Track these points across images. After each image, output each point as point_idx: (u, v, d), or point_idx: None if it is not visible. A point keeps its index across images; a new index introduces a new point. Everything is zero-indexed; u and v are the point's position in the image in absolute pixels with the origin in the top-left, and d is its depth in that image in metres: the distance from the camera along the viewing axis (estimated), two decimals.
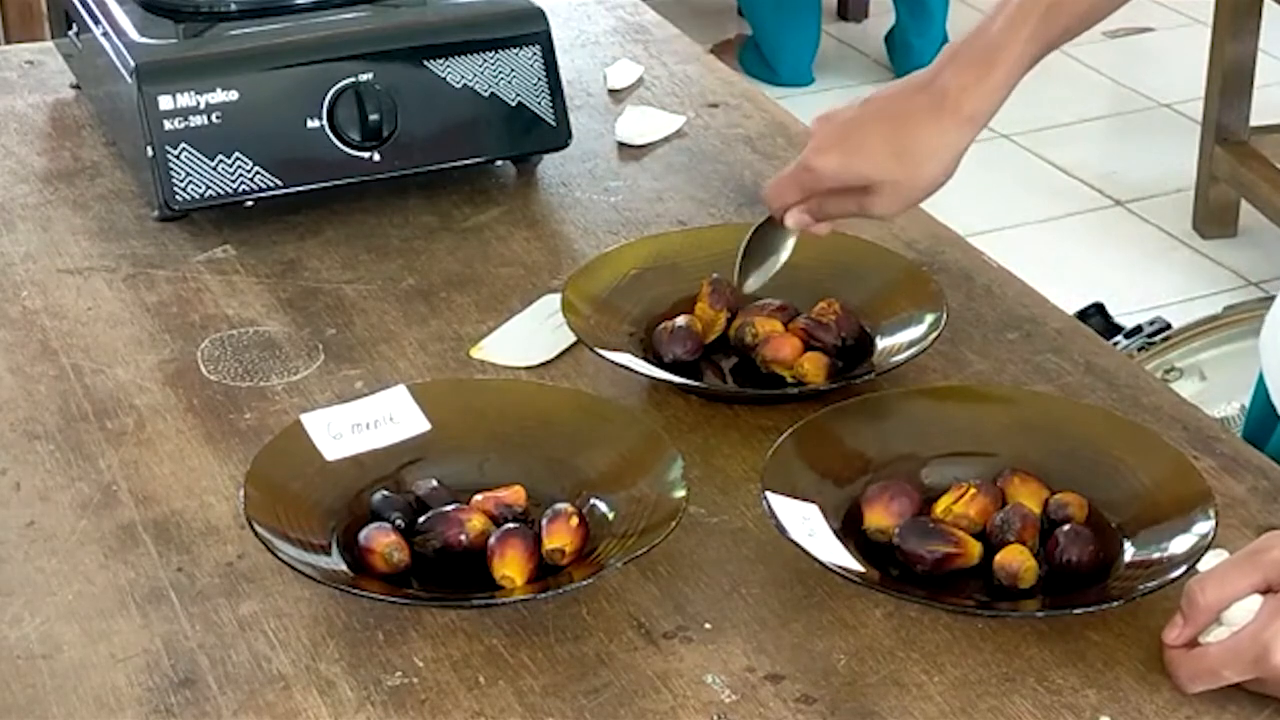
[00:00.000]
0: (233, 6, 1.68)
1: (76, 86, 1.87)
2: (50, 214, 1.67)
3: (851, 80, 4.59)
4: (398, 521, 1.21)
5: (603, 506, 1.23)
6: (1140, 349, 1.92)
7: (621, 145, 1.78)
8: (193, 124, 1.59)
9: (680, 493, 1.21)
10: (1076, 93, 4.33)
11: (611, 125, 1.81)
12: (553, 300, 1.48)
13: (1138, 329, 2.01)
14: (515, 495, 1.24)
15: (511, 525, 1.20)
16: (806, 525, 1.20)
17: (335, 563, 1.19)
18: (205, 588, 1.21)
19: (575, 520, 1.20)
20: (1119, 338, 2.05)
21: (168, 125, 1.58)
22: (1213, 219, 3.85)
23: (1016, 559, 1.18)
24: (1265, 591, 1.09)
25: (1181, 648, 1.11)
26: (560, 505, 1.21)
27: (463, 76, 1.66)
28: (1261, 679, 1.08)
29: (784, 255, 1.45)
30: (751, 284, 1.45)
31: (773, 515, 1.19)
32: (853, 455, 1.28)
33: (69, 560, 1.23)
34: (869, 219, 1.44)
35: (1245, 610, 1.09)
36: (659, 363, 1.40)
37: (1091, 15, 1.40)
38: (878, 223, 1.61)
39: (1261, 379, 1.58)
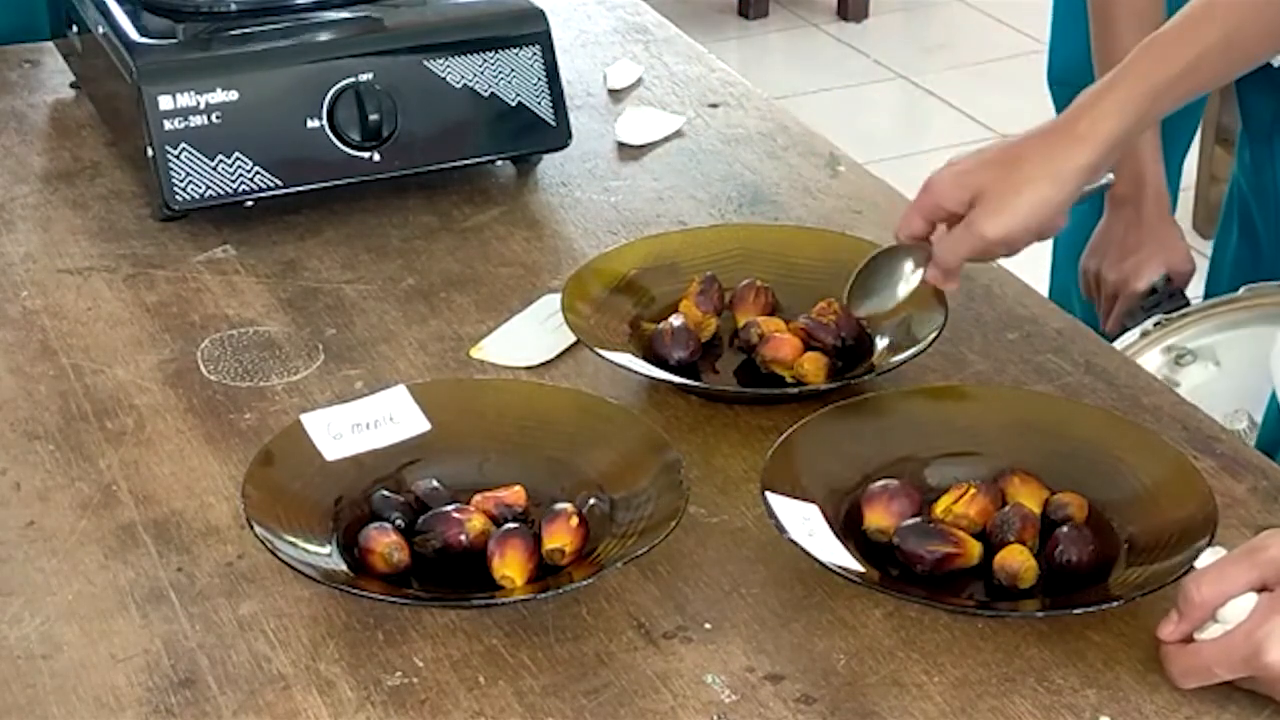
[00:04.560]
0: (233, 6, 1.68)
1: (76, 86, 1.87)
2: (50, 214, 1.67)
3: (851, 80, 4.59)
4: (398, 521, 1.21)
5: (603, 506, 1.23)
6: (1156, 324, 1.89)
7: (621, 145, 1.78)
8: (193, 124, 1.59)
9: (680, 493, 1.21)
10: None
11: (611, 125, 1.81)
12: (553, 300, 1.48)
13: (1152, 290, 1.97)
14: (515, 495, 1.24)
15: (511, 525, 1.20)
16: (806, 525, 1.20)
17: (335, 563, 1.19)
18: (205, 588, 1.21)
19: (575, 520, 1.20)
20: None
21: (168, 125, 1.58)
22: (1213, 219, 3.83)
23: (1016, 559, 1.18)
24: (1261, 590, 1.09)
25: (1177, 643, 1.11)
26: (560, 505, 1.21)
27: (463, 76, 1.66)
28: (1254, 677, 1.09)
29: (903, 289, 1.40)
30: (863, 309, 1.41)
31: (773, 515, 1.19)
32: (853, 455, 1.28)
33: (69, 560, 1.23)
34: (982, 250, 1.37)
35: (1241, 608, 1.09)
36: (659, 363, 1.40)
37: (1227, 56, 1.39)
38: (878, 223, 1.62)
39: (1274, 396, 1.58)
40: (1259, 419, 1.78)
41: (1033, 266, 1.89)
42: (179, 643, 1.16)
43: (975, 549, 1.20)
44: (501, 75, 1.67)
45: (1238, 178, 2.14)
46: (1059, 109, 2.11)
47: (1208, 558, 1.14)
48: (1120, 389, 1.41)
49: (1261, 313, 1.87)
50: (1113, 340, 1.93)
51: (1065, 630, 1.16)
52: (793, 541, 1.18)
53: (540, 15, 1.70)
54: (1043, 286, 1.61)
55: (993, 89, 4.32)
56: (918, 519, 1.21)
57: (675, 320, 1.42)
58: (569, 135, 1.71)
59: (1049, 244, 2.20)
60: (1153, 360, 1.88)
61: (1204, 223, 3.85)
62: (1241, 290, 1.90)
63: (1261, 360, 1.77)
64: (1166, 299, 1.98)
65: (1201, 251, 2.07)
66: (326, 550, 1.20)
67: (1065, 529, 1.20)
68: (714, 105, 1.86)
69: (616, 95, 1.88)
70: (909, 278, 1.40)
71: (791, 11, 4.96)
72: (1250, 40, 1.40)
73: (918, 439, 1.29)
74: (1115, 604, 1.15)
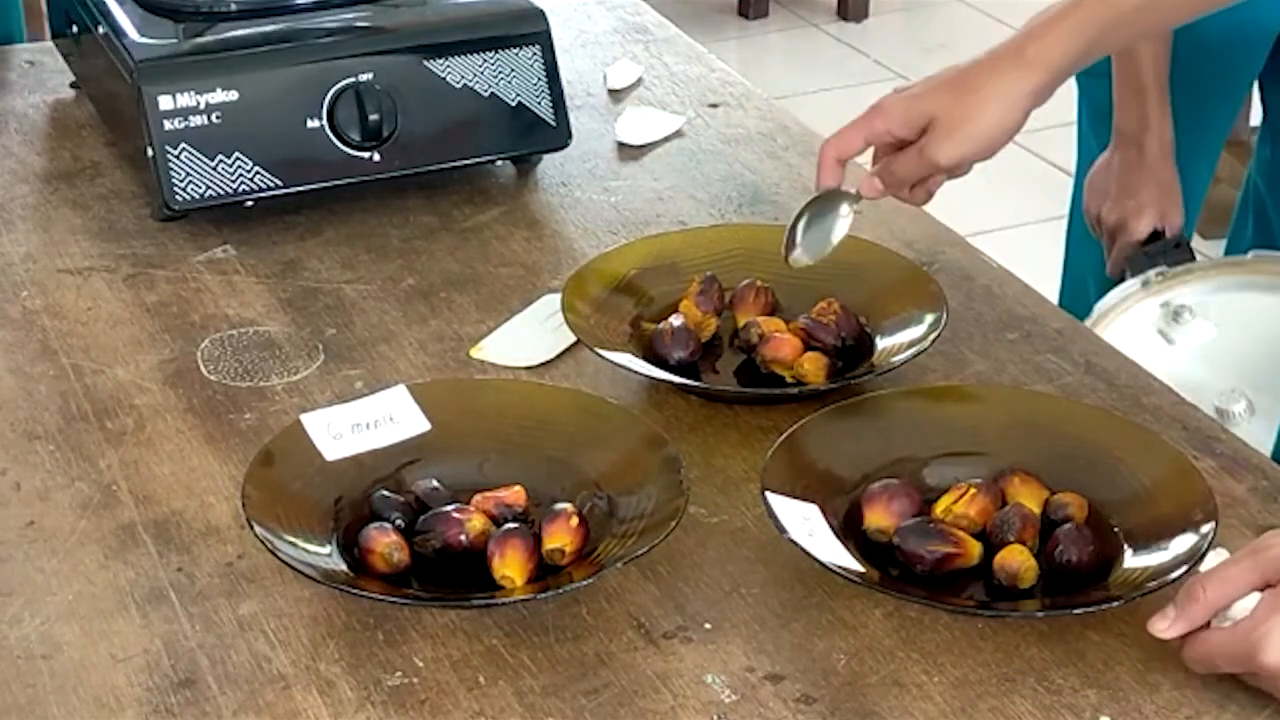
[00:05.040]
0: (233, 6, 1.68)
1: (76, 86, 1.87)
2: (50, 214, 1.67)
3: (851, 80, 4.59)
4: (398, 521, 1.21)
5: (602, 507, 1.23)
6: (1159, 274, 1.86)
7: (621, 145, 1.78)
8: (193, 124, 1.59)
9: (680, 493, 1.21)
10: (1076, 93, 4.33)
11: (611, 125, 1.81)
12: (553, 300, 1.48)
13: (1155, 237, 1.93)
14: (515, 495, 1.24)
15: (511, 525, 1.20)
16: (806, 525, 1.20)
17: (335, 563, 1.19)
18: (205, 588, 1.21)
19: (575, 520, 1.20)
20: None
21: (168, 125, 1.58)
22: (1213, 219, 3.84)
23: (1016, 559, 1.18)
24: (1264, 589, 1.09)
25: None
26: (560, 505, 1.21)
27: (463, 76, 1.66)
28: (1254, 674, 1.09)
29: (837, 234, 1.43)
30: (798, 256, 1.43)
31: (773, 515, 1.19)
32: (853, 455, 1.28)
33: (69, 560, 1.23)
34: (932, 172, 1.42)
35: (1247, 608, 1.09)
36: (659, 363, 1.40)
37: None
38: (877, 222, 1.62)
39: None
40: (1257, 402, 1.76)
41: (1033, 267, 1.89)
42: (179, 643, 1.16)
43: (975, 549, 1.20)
44: (502, 75, 1.67)
45: (1254, 176, 2.13)
46: (1086, 100, 2.10)
47: (1212, 559, 1.14)
48: (1120, 389, 1.41)
49: (1266, 280, 1.84)
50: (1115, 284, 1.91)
51: (1065, 630, 1.16)
52: (793, 541, 1.18)
53: (540, 15, 1.70)
54: (1043, 287, 1.60)
55: None
56: (918, 519, 1.21)
57: (675, 320, 1.42)
58: (569, 135, 1.71)
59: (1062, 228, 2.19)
60: (1150, 312, 1.86)
61: (1206, 223, 3.84)
62: (1250, 255, 1.88)
63: (1262, 334, 1.75)
64: (1172, 249, 1.95)
65: (1204, 253, 2.06)
66: (326, 550, 1.20)
67: (1065, 529, 1.20)
68: (714, 105, 1.86)
69: (616, 95, 1.88)
70: (843, 220, 1.43)
71: (791, 11, 4.96)
72: None
73: (918, 439, 1.29)
74: (1115, 604, 1.15)
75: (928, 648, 1.15)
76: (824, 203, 1.44)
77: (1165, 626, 1.11)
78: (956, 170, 1.42)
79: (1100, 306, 1.88)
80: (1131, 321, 1.86)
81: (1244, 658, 1.08)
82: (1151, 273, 1.87)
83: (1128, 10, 1.39)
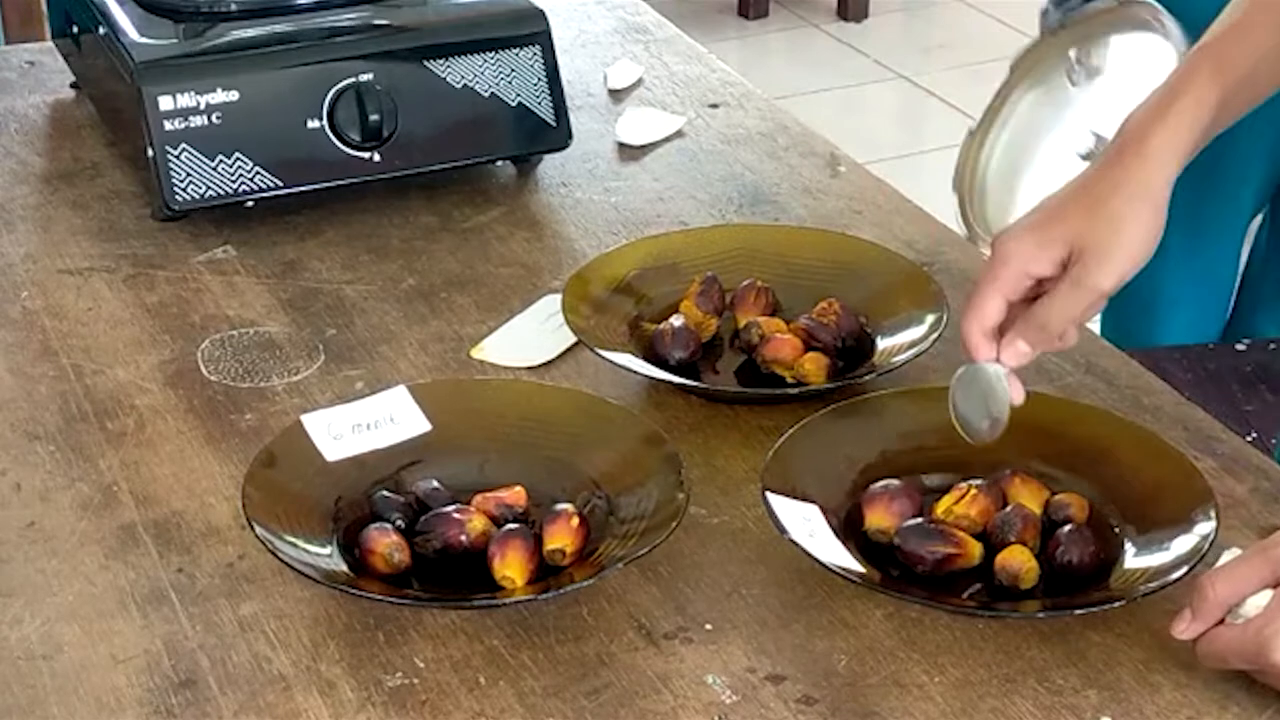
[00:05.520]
0: (233, 6, 1.68)
1: (76, 86, 1.87)
2: (50, 214, 1.67)
3: (851, 80, 4.59)
4: (398, 522, 1.21)
5: (603, 507, 1.23)
6: (1061, 25, 1.84)
7: (622, 145, 1.78)
8: (193, 124, 1.59)
9: (681, 493, 1.21)
10: None
11: (612, 125, 1.81)
12: (553, 301, 1.48)
13: None
14: (516, 496, 1.24)
15: (512, 526, 1.20)
16: (807, 526, 1.20)
17: (336, 563, 1.19)
18: (206, 588, 1.21)
19: (576, 521, 1.20)
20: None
21: (168, 125, 1.58)
22: None
23: (1017, 559, 1.18)
24: (1276, 586, 1.10)
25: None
26: (561, 506, 1.21)
27: (463, 77, 1.66)
28: (1263, 671, 1.09)
29: (1001, 393, 1.24)
30: (985, 432, 1.26)
31: (773, 516, 1.19)
32: (853, 456, 1.27)
33: (69, 561, 1.23)
34: (1090, 307, 1.25)
35: (1260, 605, 1.10)
36: (659, 363, 1.40)
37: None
38: (878, 223, 1.62)
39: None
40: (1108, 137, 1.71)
41: None
42: (179, 643, 1.16)
43: (976, 549, 1.20)
44: (502, 75, 1.67)
45: None
46: None
47: (1226, 559, 1.15)
48: (1121, 389, 1.41)
49: (1128, 21, 1.81)
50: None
51: (1066, 631, 1.16)
52: (793, 542, 1.18)
53: (540, 15, 1.70)
54: None
55: (993, 89, 4.31)
56: (918, 519, 1.21)
57: (676, 320, 1.42)
58: (569, 135, 1.71)
59: None
60: (1061, 60, 1.85)
61: None
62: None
63: (1120, 77, 1.72)
64: None
65: None
66: (327, 551, 1.20)
67: (1066, 529, 1.20)
68: (714, 105, 1.86)
69: (617, 95, 1.88)
70: (1000, 383, 1.25)
71: (791, 11, 4.96)
72: None
73: (918, 439, 1.29)
74: (1116, 604, 1.15)
75: (928, 648, 1.15)
76: (970, 378, 1.26)
77: (1184, 628, 1.12)
78: (1118, 290, 1.24)
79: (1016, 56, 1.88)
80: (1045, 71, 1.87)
81: (1253, 655, 1.08)
82: (1059, 16, 1.86)
83: (1238, 81, 1.28)
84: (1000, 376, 1.24)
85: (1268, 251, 2.11)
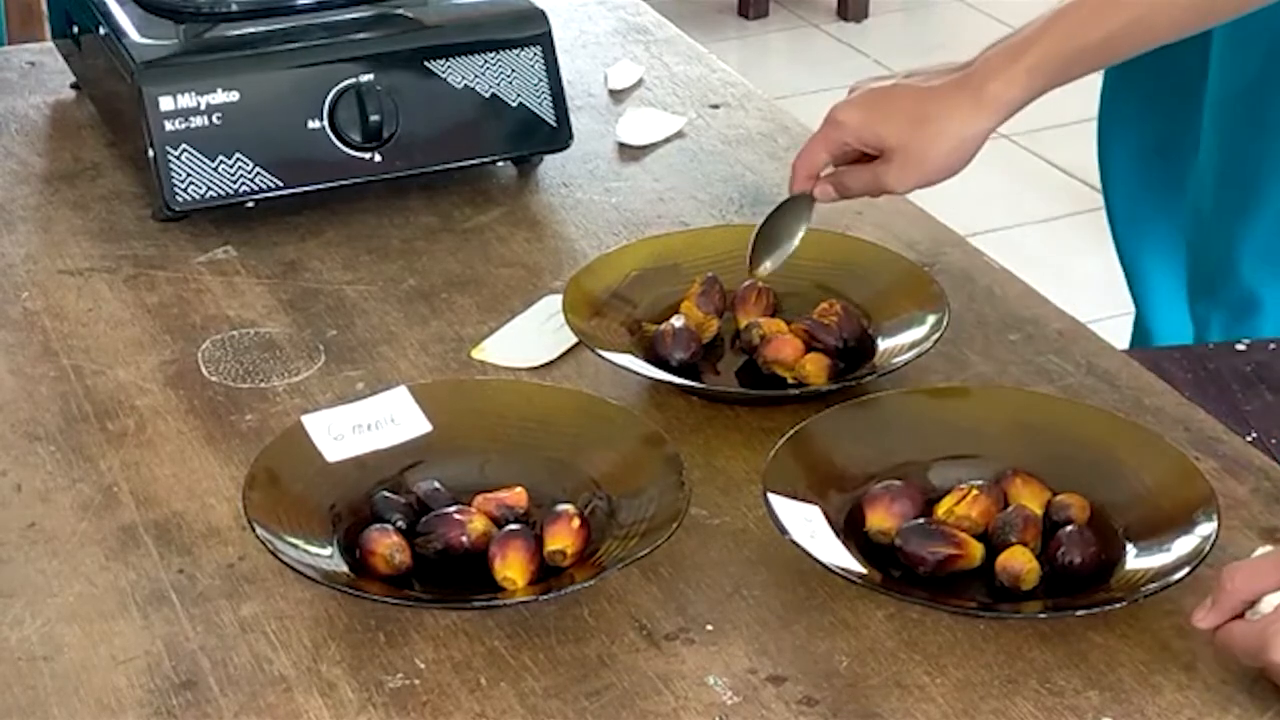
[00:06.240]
0: (233, 7, 1.68)
1: (77, 87, 1.87)
2: (51, 215, 1.67)
3: (851, 80, 4.58)
4: (399, 523, 1.21)
5: (604, 508, 1.23)
6: None
7: (622, 146, 1.78)
8: (193, 125, 1.59)
9: (681, 494, 1.21)
10: (1077, 92, 4.33)
11: (612, 126, 1.81)
12: (554, 301, 1.48)
13: None
14: (516, 496, 1.24)
15: (513, 526, 1.20)
16: (808, 526, 1.20)
17: (336, 564, 1.19)
18: (206, 589, 1.21)
19: (576, 521, 1.20)
20: None
21: (168, 126, 1.58)
22: None
23: (1018, 560, 1.18)
24: None
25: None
26: (561, 506, 1.21)
27: (464, 77, 1.66)
28: (1265, 668, 1.09)
29: (796, 241, 1.47)
30: (766, 268, 1.47)
31: (774, 516, 1.19)
32: (854, 456, 1.27)
33: (70, 562, 1.23)
34: (882, 193, 1.47)
35: (1274, 603, 1.10)
36: (660, 364, 1.39)
37: (1142, 31, 1.42)
38: (878, 223, 1.62)
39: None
40: None
41: (1034, 267, 1.89)
42: (180, 644, 1.16)
43: (977, 550, 1.20)
44: (502, 76, 1.67)
45: None
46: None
47: (1258, 554, 1.15)
48: (1122, 390, 1.41)
49: None
50: None
51: (1067, 632, 1.16)
52: (794, 543, 1.18)
53: (541, 16, 1.70)
54: (1044, 287, 1.60)
55: None
56: (920, 520, 1.21)
57: (676, 321, 1.42)
58: (570, 136, 1.71)
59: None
60: None
61: None
62: None
63: None
64: None
65: None
66: (328, 552, 1.20)
67: (1067, 530, 1.20)
68: (715, 106, 1.86)
69: (617, 96, 1.88)
70: (800, 230, 1.47)
71: (791, 11, 4.96)
72: (1163, 21, 1.41)
73: (919, 440, 1.29)
74: (1117, 605, 1.15)
75: (930, 649, 1.15)
76: (780, 212, 1.48)
77: (1202, 616, 1.12)
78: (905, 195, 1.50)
79: None
80: None
81: (1256, 651, 1.08)
82: None
83: (1090, 44, 1.41)
84: (807, 210, 1.47)
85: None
